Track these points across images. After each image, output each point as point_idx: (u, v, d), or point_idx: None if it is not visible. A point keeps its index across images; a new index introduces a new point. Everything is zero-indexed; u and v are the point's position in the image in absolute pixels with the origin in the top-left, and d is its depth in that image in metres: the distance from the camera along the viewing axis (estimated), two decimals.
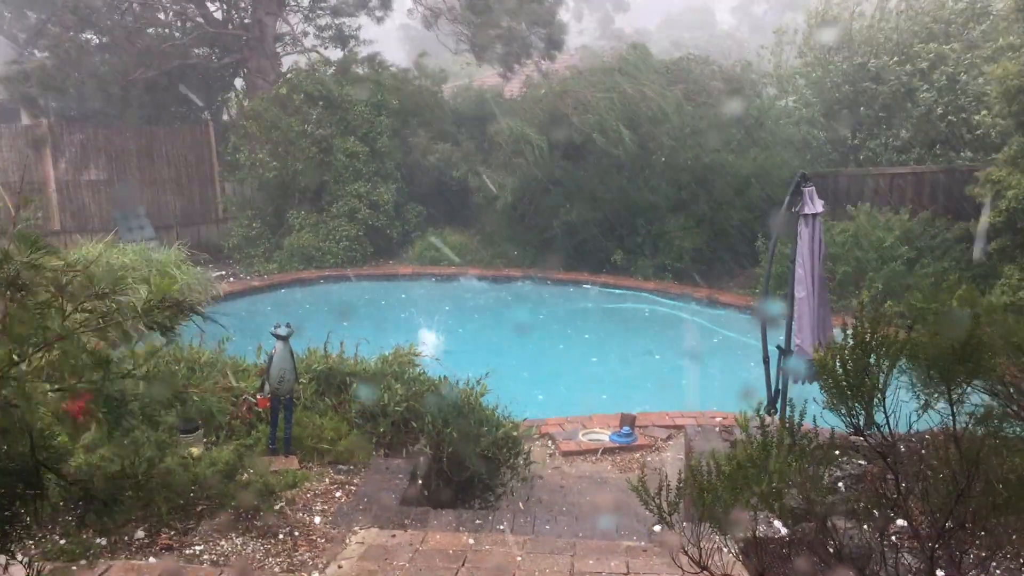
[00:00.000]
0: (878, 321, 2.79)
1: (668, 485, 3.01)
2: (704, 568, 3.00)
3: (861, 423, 2.89)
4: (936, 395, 2.73)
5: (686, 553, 3.00)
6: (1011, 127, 10.30)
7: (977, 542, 2.90)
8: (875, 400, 2.83)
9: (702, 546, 3.05)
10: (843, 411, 2.89)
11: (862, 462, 4.85)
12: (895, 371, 2.80)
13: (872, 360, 2.80)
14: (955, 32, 13.82)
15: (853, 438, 2.98)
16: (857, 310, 3.03)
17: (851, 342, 2.83)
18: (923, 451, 3.27)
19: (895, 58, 13.93)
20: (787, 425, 3.17)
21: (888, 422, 2.88)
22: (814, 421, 3.18)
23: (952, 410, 2.73)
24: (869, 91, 14.06)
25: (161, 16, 19.01)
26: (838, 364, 2.83)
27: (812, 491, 3.00)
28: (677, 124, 14.48)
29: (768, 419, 6.48)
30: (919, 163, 13.49)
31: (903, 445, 3.07)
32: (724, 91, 15.07)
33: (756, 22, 43.17)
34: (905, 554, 3.31)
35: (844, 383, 2.84)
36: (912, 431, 2.95)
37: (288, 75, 17.54)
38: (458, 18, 19.01)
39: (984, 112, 12.13)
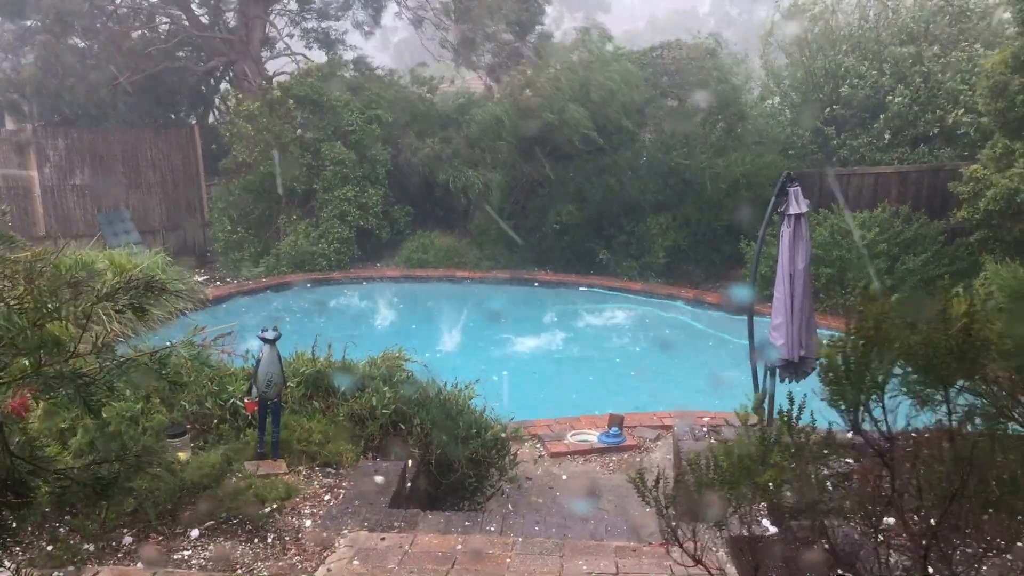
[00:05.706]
0: (882, 318, 2.75)
1: (665, 478, 3.01)
2: (699, 562, 3.00)
3: (859, 419, 2.88)
4: (933, 393, 2.73)
5: (681, 546, 3.00)
6: (994, 125, 10.39)
7: (969, 540, 2.90)
8: (873, 397, 2.82)
9: (695, 542, 3.06)
10: (842, 407, 2.87)
11: (849, 460, 4.87)
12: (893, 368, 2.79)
13: (874, 356, 2.78)
14: (933, 31, 13.93)
15: (850, 435, 2.98)
16: (860, 303, 2.91)
17: (852, 336, 2.81)
18: (921, 450, 3.27)
19: (873, 62, 14.02)
20: (784, 421, 3.16)
21: (886, 419, 2.87)
22: (801, 419, 3.19)
23: (948, 408, 2.73)
24: (848, 92, 14.17)
25: (146, 19, 18.94)
26: (840, 359, 2.82)
27: (808, 489, 3.00)
28: (636, 101, 14.45)
29: (754, 417, 6.52)
30: (903, 162, 13.59)
31: (902, 443, 3.07)
32: (699, 76, 15.03)
33: (731, 20, 43.41)
34: (894, 552, 3.33)
35: (845, 379, 2.82)
36: (907, 429, 2.94)
37: (281, 79, 17.46)
38: (443, 24, 19.02)
39: (961, 111, 12.22)
